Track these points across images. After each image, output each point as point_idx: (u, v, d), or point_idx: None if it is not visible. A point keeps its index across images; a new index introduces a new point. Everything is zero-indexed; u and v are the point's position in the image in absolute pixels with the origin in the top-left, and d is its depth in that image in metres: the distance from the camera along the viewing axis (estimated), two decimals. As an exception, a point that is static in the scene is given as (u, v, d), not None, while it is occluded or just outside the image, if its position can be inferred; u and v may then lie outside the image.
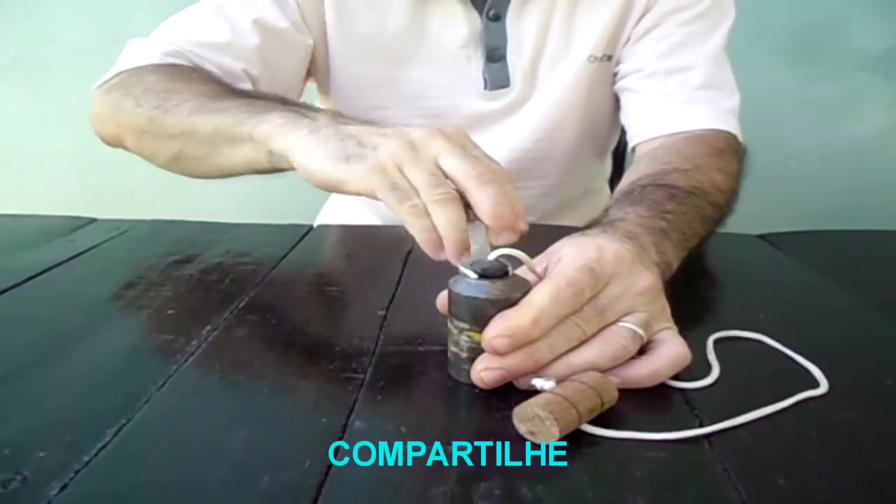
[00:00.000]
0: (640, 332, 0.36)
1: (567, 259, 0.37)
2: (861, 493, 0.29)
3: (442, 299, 0.39)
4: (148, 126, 0.59)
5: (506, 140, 0.76)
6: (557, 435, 0.31)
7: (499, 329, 0.34)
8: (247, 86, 0.66)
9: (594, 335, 0.36)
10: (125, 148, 0.65)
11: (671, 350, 0.37)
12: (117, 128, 0.63)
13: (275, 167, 0.49)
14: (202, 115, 0.54)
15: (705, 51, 0.72)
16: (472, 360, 0.36)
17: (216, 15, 0.67)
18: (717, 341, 0.42)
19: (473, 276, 0.36)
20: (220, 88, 0.59)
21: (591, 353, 0.36)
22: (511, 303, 0.35)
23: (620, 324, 0.36)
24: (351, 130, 0.43)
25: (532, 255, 0.39)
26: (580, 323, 0.36)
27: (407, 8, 0.70)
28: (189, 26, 0.68)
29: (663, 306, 0.39)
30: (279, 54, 0.69)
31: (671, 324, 0.39)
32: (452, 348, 0.37)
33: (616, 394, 0.34)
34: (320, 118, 0.47)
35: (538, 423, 0.31)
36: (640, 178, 0.56)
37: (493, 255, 0.37)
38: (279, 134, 0.46)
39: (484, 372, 0.35)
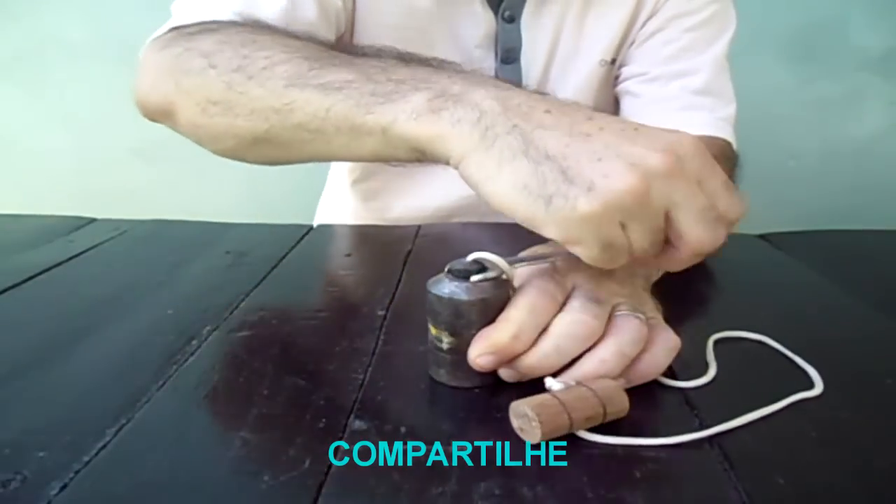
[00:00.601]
0: (640, 315, 0.36)
1: (528, 269, 0.37)
2: (861, 493, 0.29)
3: None
4: (223, 95, 0.44)
5: None
6: (539, 438, 0.30)
7: (481, 347, 0.34)
8: None
9: (604, 332, 0.35)
10: (172, 124, 0.50)
11: (660, 337, 0.36)
12: (176, 95, 0.48)
13: (422, 162, 0.39)
14: (306, 89, 0.40)
15: (708, 57, 0.72)
16: (430, 351, 0.37)
17: None
18: (716, 341, 0.42)
19: (444, 272, 0.36)
20: (317, 47, 0.45)
21: (613, 345, 0.35)
22: (455, 304, 0.35)
23: (617, 314, 0.36)
24: (546, 144, 0.33)
25: None
26: (578, 317, 0.35)
27: (431, 3, 0.69)
28: None
29: (631, 295, 0.38)
30: (324, 35, 0.63)
31: (654, 313, 0.38)
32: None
33: (626, 405, 0.33)
34: (486, 107, 0.35)
35: (526, 422, 0.31)
36: None
37: (470, 258, 0.37)
38: (434, 136, 0.36)
39: (500, 372, 0.35)
